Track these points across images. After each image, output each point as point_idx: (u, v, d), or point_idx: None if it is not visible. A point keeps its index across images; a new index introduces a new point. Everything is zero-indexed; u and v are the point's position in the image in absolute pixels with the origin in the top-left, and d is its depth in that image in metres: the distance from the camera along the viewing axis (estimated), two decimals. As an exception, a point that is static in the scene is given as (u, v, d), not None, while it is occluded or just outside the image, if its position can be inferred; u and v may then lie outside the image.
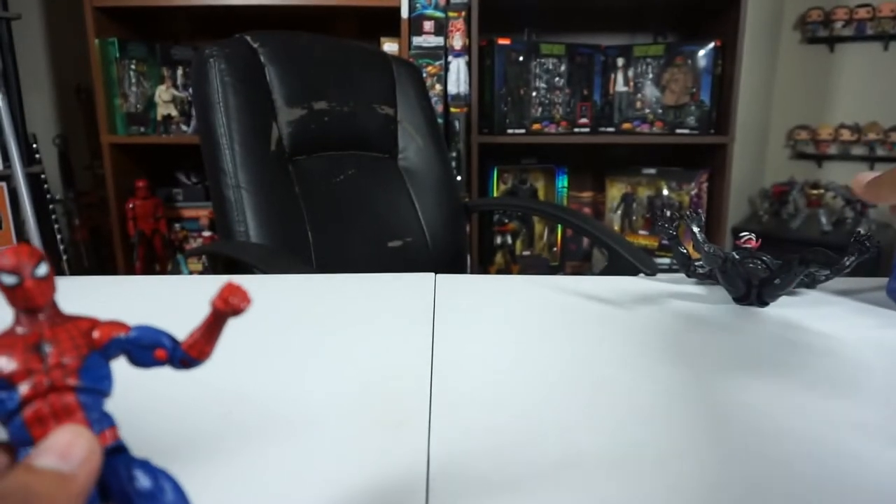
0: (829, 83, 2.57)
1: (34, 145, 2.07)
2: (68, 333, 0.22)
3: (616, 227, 2.36)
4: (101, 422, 0.22)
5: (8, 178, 1.84)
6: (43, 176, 2.06)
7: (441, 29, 1.99)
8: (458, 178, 2.02)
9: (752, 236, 0.52)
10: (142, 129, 2.08)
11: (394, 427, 0.41)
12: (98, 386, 0.22)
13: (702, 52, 2.10)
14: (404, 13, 1.96)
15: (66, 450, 0.20)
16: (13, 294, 0.21)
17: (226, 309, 0.23)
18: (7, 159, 1.82)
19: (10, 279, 0.21)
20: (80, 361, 0.22)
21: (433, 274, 0.77)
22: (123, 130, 2.05)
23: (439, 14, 1.98)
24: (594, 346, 0.49)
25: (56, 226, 2.11)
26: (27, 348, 0.21)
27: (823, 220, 2.43)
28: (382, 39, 2.04)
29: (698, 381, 0.46)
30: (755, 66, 2.50)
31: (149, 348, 0.24)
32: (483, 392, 0.46)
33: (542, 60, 2.12)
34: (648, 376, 0.47)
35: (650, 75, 2.17)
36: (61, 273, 2.08)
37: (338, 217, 1.19)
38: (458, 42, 1.99)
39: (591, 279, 0.74)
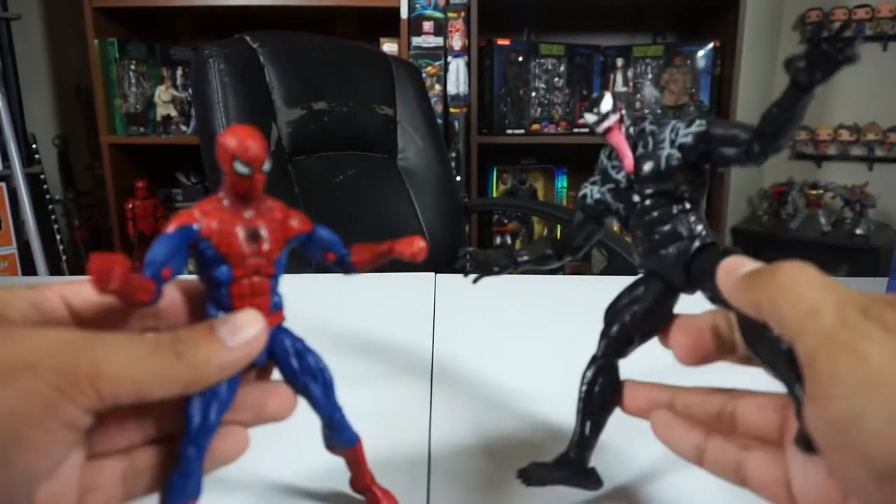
0: (828, 83, 2.56)
1: (34, 146, 2.07)
2: (272, 225, 0.26)
3: (616, 228, 2.36)
4: (277, 303, 0.27)
5: (7, 178, 1.84)
6: (42, 176, 2.06)
7: (440, 29, 1.99)
8: (458, 178, 2.02)
9: None
10: (141, 130, 2.08)
11: (395, 425, 0.41)
12: (280, 272, 0.27)
13: (701, 53, 2.10)
14: (404, 13, 1.96)
15: (239, 328, 0.24)
16: (240, 181, 0.24)
17: (402, 255, 0.28)
18: (6, 159, 1.82)
19: (244, 169, 0.24)
20: (278, 254, 0.26)
21: (433, 274, 0.77)
22: (123, 131, 2.05)
23: (439, 14, 1.98)
24: (594, 346, 0.49)
25: (55, 226, 2.11)
26: (246, 236, 0.25)
27: (822, 220, 2.44)
28: (382, 40, 2.04)
29: (698, 380, 0.46)
30: (755, 67, 2.50)
31: (324, 248, 0.28)
32: (483, 391, 0.46)
33: (542, 61, 2.12)
34: (649, 376, 0.47)
35: (649, 75, 2.17)
36: (60, 273, 2.08)
37: (337, 217, 1.19)
38: (457, 42, 1.99)
39: (591, 279, 0.74)
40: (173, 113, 2.08)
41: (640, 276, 0.34)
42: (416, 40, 1.99)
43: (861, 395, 0.20)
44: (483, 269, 0.38)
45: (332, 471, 0.33)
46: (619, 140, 0.33)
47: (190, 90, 2.08)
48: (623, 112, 0.33)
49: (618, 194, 0.34)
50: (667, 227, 0.31)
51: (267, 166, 0.24)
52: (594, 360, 0.34)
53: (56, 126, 2.36)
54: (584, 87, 2.20)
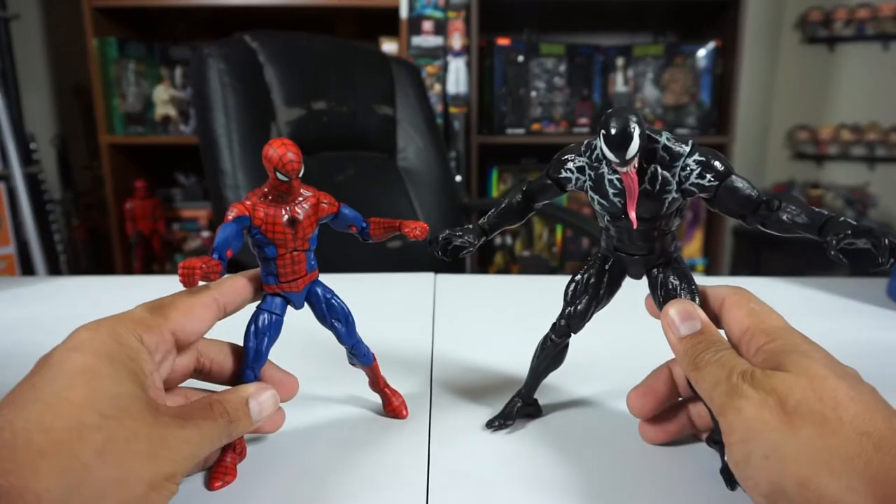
0: (829, 83, 2.57)
1: (32, 145, 2.06)
2: (306, 213, 0.34)
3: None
4: (312, 265, 0.36)
5: (6, 178, 1.83)
6: (41, 176, 2.06)
7: (440, 29, 1.98)
8: (458, 178, 2.02)
9: None
10: (140, 129, 2.08)
11: (394, 423, 0.41)
12: (314, 245, 0.35)
13: (702, 52, 2.10)
14: (403, 13, 1.96)
15: (262, 411, 0.34)
16: (281, 184, 0.32)
17: (409, 237, 0.36)
18: (5, 159, 1.82)
19: (284, 177, 0.32)
20: (311, 232, 0.35)
21: (433, 274, 0.77)
22: (122, 130, 2.05)
23: (439, 14, 1.98)
24: (594, 345, 0.49)
25: (54, 226, 2.11)
26: (287, 223, 0.33)
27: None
28: (381, 39, 2.04)
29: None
30: (755, 66, 2.50)
31: (348, 223, 0.36)
32: (483, 390, 0.45)
33: (542, 60, 2.12)
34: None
35: (650, 75, 2.17)
36: (59, 273, 2.08)
37: (337, 217, 1.19)
38: (457, 42, 1.99)
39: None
40: (172, 112, 2.08)
41: (596, 257, 0.38)
42: (415, 40, 1.99)
43: (745, 441, 0.27)
44: (455, 252, 0.38)
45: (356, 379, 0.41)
46: (633, 183, 0.32)
47: (189, 90, 2.08)
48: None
49: (606, 208, 0.34)
50: (642, 243, 0.35)
51: (302, 171, 0.32)
52: (552, 332, 0.39)
53: (55, 126, 2.36)
54: (584, 86, 2.19)
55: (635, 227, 0.33)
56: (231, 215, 0.32)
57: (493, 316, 0.64)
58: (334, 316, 0.37)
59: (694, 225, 2.27)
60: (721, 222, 2.17)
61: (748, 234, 2.62)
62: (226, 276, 0.33)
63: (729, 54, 2.04)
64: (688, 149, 0.32)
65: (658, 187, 0.32)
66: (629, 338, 0.53)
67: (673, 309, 0.33)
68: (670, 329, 0.33)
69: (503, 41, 2.07)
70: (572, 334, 0.39)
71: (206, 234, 2.20)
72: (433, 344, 0.55)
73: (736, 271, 2.65)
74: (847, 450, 0.25)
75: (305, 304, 0.37)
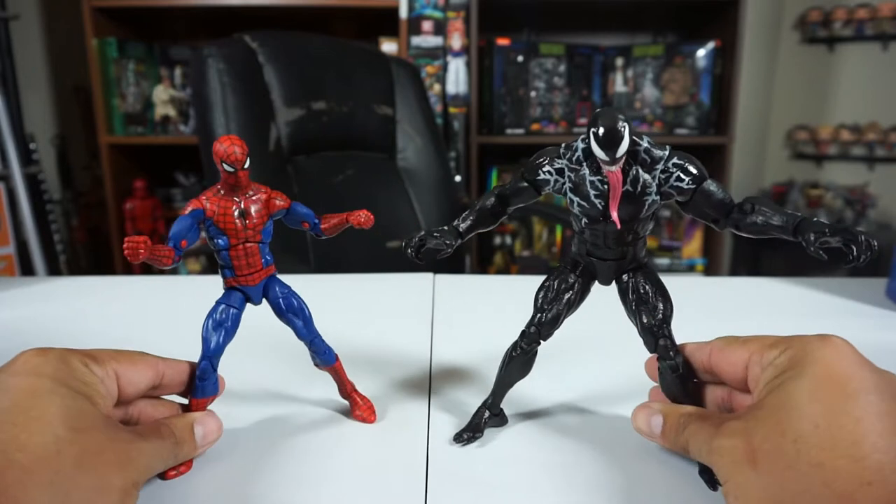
0: (829, 83, 2.57)
1: (32, 145, 2.06)
2: (256, 206, 0.36)
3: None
4: (268, 260, 0.37)
5: (6, 178, 1.83)
6: (41, 176, 2.06)
7: (440, 29, 1.98)
8: (458, 178, 2.02)
9: None
10: (140, 129, 2.08)
11: (393, 425, 0.41)
12: (267, 239, 0.37)
13: (701, 52, 2.10)
14: (403, 13, 1.96)
15: (206, 436, 0.35)
16: (228, 177, 0.34)
17: (354, 224, 0.37)
18: (5, 160, 1.82)
19: (230, 168, 0.33)
20: (262, 225, 0.36)
21: (432, 274, 0.77)
22: (122, 130, 2.05)
23: (438, 14, 1.98)
24: (594, 345, 0.49)
25: (54, 226, 2.11)
26: (238, 215, 0.35)
27: (823, 220, 2.43)
28: (381, 39, 2.04)
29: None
30: (755, 66, 2.50)
31: (300, 219, 0.37)
32: (482, 391, 0.45)
33: (542, 60, 2.12)
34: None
35: (649, 75, 2.17)
36: (59, 273, 2.08)
37: (336, 217, 1.19)
38: (457, 42, 1.99)
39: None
40: (172, 112, 2.08)
41: (567, 263, 0.38)
42: (415, 40, 1.99)
43: (725, 486, 0.28)
44: (429, 255, 0.38)
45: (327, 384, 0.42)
46: (618, 183, 0.32)
47: (189, 90, 2.08)
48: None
49: (585, 210, 0.34)
50: (617, 247, 0.35)
51: (247, 164, 0.34)
52: (521, 339, 0.38)
53: (54, 126, 2.35)
54: (583, 86, 2.19)
55: (619, 226, 0.33)
56: (187, 209, 0.34)
57: (492, 316, 0.64)
58: (291, 311, 0.38)
59: (693, 225, 2.27)
60: (721, 222, 2.17)
61: (748, 234, 2.62)
62: (171, 359, 0.36)
63: (728, 54, 2.04)
64: (667, 153, 0.33)
65: (639, 189, 0.33)
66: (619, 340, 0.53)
67: (636, 421, 0.36)
68: (646, 435, 0.36)
69: (503, 41, 2.07)
70: (542, 341, 0.38)
71: (205, 234, 2.20)
72: (432, 344, 0.55)
73: (735, 271, 2.65)
74: (797, 484, 0.25)
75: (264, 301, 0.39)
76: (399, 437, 0.39)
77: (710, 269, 2.23)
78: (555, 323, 0.38)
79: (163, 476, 0.34)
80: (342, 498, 0.33)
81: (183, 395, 0.37)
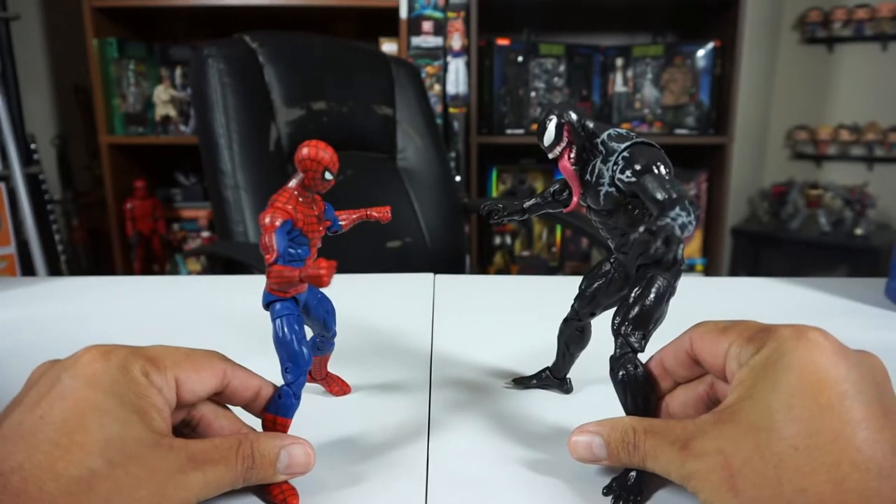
0: (828, 83, 2.57)
1: (32, 146, 2.07)
2: (321, 211, 0.36)
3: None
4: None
5: (6, 178, 1.83)
6: (41, 176, 2.06)
7: (440, 29, 1.99)
8: (457, 178, 2.02)
9: None
10: (140, 130, 2.08)
11: (393, 425, 0.41)
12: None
13: (701, 53, 2.10)
14: (403, 13, 1.96)
15: (292, 467, 0.32)
16: (325, 185, 0.35)
17: (374, 217, 0.40)
18: (5, 160, 1.82)
19: (331, 176, 0.35)
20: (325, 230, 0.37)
21: (432, 274, 0.77)
22: (122, 130, 2.05)
23: (438, 14, 1.98)
24: (593, 346, 0.49)
25: (54, 226, 2.11)
26: (318, 220, 0.36)
27: (822, 220, 2.44)
28: (381, 39, 2.04)
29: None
30: (754, 67, 2.50)
31: (326, 219, 0.38)
32: (482, 391, 0.46)
33: (541, 61, 2.12)
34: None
35: (649, 75, 2.17)
36: (59, 273, 2.08)
37: (337, 217, 1.19)
38: (456, 42, 1.99)
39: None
40: (172, 113, 2.08)
41: (608, 254, 0.40)
42: (415, 40, 1.99)
43: None
44: (498, 215, 0.41)
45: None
46: (567, 170, 0.35)
47: (189, 90, 2.08)
48: (570, 137, 0.35)
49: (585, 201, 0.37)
50: (615, 237, 0.37)
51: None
52: (570, 312, 0.41)
53: (55, 126, 2.36)
54: (583, 87, 2.20)
55: (576, 200, 0.36)
56: (278, 222, 0.32)
57: (492, 316, 0.64)
58: (324, 308, 0.39)
59: (693, 225, 2.27)
60: (720, 222, 2.17)
61: (747, 234, 2.62)
62: (244, 369, 0.34)
63: (728, 54, 2.05)
64: (623, 146, 0.33)
65: (594, 179, 0.35)
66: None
67: (576, 452, 0.33)
68: (591, 462, 0.34)
69: (503, 41, 2.07)
70: (581, 320, 0.41)
71: (206, 234, 2.21)
72: (432, 344, 0.56)
73: (735, 271, 2.65)
74: None
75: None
76: (399, 437, 0.39)
77: (710, 269, 2.23)
78: (590, 301, 0.40)
79: (263, 495, 0.32)
80: (342, 497, 0.33)
81: (248, 409, 0.35)
